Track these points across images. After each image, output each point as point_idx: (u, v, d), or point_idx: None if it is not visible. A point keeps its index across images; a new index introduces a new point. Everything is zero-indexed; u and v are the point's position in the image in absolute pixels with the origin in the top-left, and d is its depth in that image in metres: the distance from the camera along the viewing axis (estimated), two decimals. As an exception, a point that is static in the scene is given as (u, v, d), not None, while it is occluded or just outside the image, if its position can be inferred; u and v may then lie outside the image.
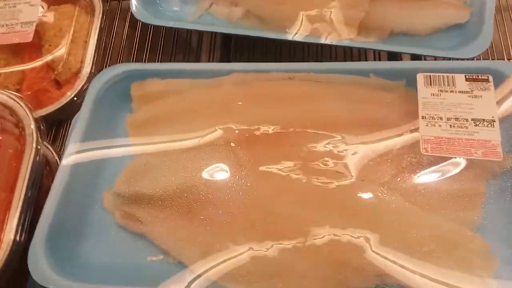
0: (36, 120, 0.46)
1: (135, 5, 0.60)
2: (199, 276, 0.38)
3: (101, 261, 0.41)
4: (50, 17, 0.60)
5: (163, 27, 0.65)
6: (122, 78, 0.50)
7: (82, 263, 0.41)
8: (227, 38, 0.65)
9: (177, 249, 0.40)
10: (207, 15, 0.62)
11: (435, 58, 0.52)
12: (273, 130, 0.43)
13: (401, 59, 0.56)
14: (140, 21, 0.60)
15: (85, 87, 0.57)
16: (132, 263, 0.41)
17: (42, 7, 0.61)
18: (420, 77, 0.44)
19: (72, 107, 0.56)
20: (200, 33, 0.66)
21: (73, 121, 0.51)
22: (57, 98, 0.56)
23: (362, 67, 0.47)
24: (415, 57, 0.54)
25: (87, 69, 0.58)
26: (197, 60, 0.64)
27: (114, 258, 0.41)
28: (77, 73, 0.58)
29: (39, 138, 0.45)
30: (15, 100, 0.47)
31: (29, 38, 0.58)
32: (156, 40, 0.65)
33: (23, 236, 0.41)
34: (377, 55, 0.60)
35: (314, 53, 0.62)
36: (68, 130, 0.57)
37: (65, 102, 0.56)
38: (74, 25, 0.59)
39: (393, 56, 0.57)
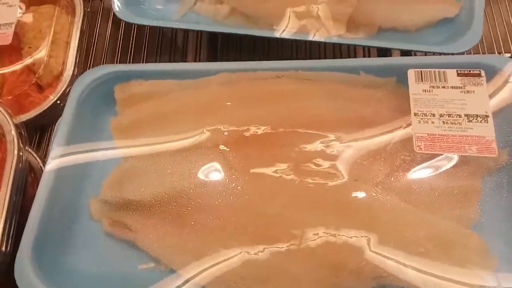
0: (17, 126, 0.45)
1: (117, 4, 0.58)
2: (191, 283, 0.37)
3: (89, 270, 0.40)
4: (29, 18, 0.58)
5: (147, 26, 0.64)
6: (105, 80, 0.49)
7: (70, 272, 0.40)
8: (213, 37, 0.64)
9: (167, 256, 0.39)
10: (192, 14, 0.61)
11: (425, 53, 0.51)
12: (262, 130, 0.42)
13: (390, 55, 0.55)
14: (123, 21, 0.58)
15: (67, 90, 0.55)
16: (122, 271, 0.40)
17: (21, 7, 0.58)
18: (411, 73, 0.43)
19: (55, 111, 0.54)
20: (186, 32, 0.64)
21: (56, 125, 0.49)
22: (39, 102, 0.54)
23: (351, 64, 0.46)
24: (404, 53, 0.53)
25: (69, 71, 0.56)
26: (184, 60, 0.62)
27: (102, 266, 0.40)
28: (59, 75, 0.56)
29: (21, 144, 0.43)
30: (-6, 106, 0.45)
31: (8, 40, 0.56)
32: (140, 40, 0.64)
33: (8, 245, 0.40)
34: (367, 52, 0.59)
35: (303, 51, 0.61)
36: (52, 135, 0.55)
37: (47, 106, 0.54)
38: (54, 26, 0.57)
39: (383, 52, 0.57)
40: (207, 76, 0.47)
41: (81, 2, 0.61)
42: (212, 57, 0.63)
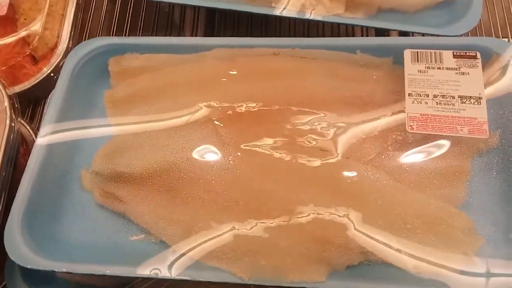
0: (10, 97, 0.44)
1: (114, -24, 0.57)
2: (181, 255, 0.37)
3: (80, 240, 0.40)
4: (25, -11, 0.57)
5: (144, 0, 0.63)
6: (99, 52, 0.48)
7: (61, 242, 0.40)
8: (211, 14, 0.63)
9: (158, 228, 0.39)
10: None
11: (423, 35, 0.51)
12: (256, 107, 0.42)
13: (389, 36, 0.55)
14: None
15: (62, 62, 0.54)
16: (113, 242, 0.40)
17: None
18: (407, 53, 0.43)
19: (49, 84, 0.54)
20: (183, 7, 0.64)
21: (49, 97, 0.49)
22: (33, 74, 0.54)
23: (348, 43, 0.46)
24: (403, 34, 0.53)
25: (64, 44, 0.55)
26: (179, 35, 0.62)
27: (94, 237, 0.40)
28: (54, 48, 0.56)
29: (13, 115, 0.43)
30: (-14, 76, 0.45)
31: (3, 11, 0.55)
32: (136, 15, 0.63)
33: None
34: (365, 32, 0.59)
35: (301, 30, 0.61)
36: (45, 107, 0.55)
37: (41, 78, 0.53)
38: (57, 2, 0.56)
39: (381, 33, 0.56)
40: (203, 52, 0.47)
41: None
42: (209, 34, 0.62)
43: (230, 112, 0.42)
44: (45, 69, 0.54)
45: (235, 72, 0.45)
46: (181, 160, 0.41)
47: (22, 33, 0.55)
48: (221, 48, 0.47)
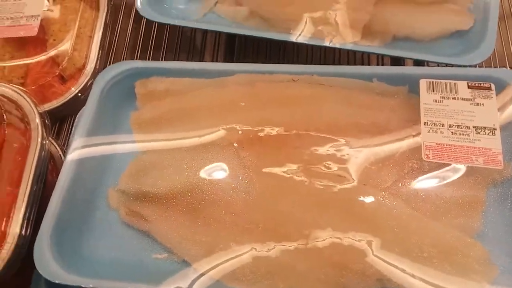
0: (41, 115, 0.47)
1: (140, 1, 0.60)
2: (202, 274, 0.38)
3: (105, 257, 0.42)
4: (55, 12, 0.60)
5: (168, 25, 0.65)
6: (127, 75, 0.51)
7: (87, 258, 0.42)
8: (231, 38, 0.66)
9: (181, 248, 0.41)
10: (212, 14, 0.63)
11: (438, 64, 0.53)
12: (276, 131, 0.44)
13: (403, 63, 0.57)
14: (144, 18, 0.60)
15: (89, 83, 0.57)
16: (136, 259, 0.42)
17: (48, 0, 0.60)
18: (422, 83, 0.45)
19: (76, 103, 0.56)
20: (205, 32, 0.66)
21: (77, 116, 0.51)
22: (61, 93, 0.56)
23: (365, 71, 0.48)
24: (417, 62, 0.54)
25: (91, 65, 0.58)
26: (201, 59, 0.64)
27: (118, 254, 0.42)
28: (82, 68, 0.58)
29: (44, 133, 0.45)
30: (20, 94, 0.47)
31: (34, 32, 0.58)
32: (160, 37, 0.65)
33: (28, 230, 0.42)
34: (380, 59, 0.60)
35: (318, 56, 0.63)
36: (71, 126, 0.57)
37: (69, 97, 0.56)
38: (79, 20, 0.59)
39: (396, 60, 0.58)
40: (225, 76, 0.49)
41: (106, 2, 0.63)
42: (229, 58, 0.64)
43: (250, 136, 0.44)
44: (73, 89, 0.56)
45: (255, 97, 0.46)
46: (203, 182, 0.43)
47: (52, 53, 0.57)
48: (242, 73, 0.49)
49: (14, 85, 0.49)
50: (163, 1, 0.63)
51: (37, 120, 0.46)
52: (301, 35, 0.55)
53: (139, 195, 0.44)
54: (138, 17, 0.63)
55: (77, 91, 0.56)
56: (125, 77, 0.51)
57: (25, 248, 0.42)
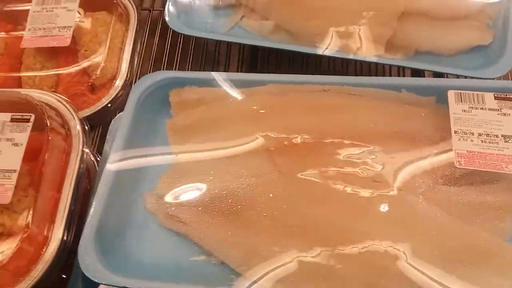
0: (82, 122, 0.48)
1: (168, 14, 0.62)
2: (243, 277, 0.39)
3: (145, 259, 0.43)
4: (86, 23, 0.62)
5: (193, 37, 0.67)
6: (161, 85, 0.52)
7: (127, 261, 0.42)
8: (254, 51, 0.68)
9: (220, 250, 0.42)
10: (237, 28, 0.65)
11: (457, 76, 0.55)
12: (310, 138, 0.45)
13: (424, 76, 0.59)
14: (170, 30, 0.62)
15: (119, 93, 0.59)
16: (175, 261, 0.43)
17: (79, 12, 0.62)
18: (451, 94, 0.47)
19: (106, 113, 0.58)
20: (229, 44, 0.68)
21: (112, 123, 0.52)
22: (92, 102, 0.58)
23: (394, 83, 0.49)
24: (438, 75, 0.56)
25: (122, 76, 0.60)
26: (226, 70, 0.66)
27: (158, 256, 0.43)
28: (112, 79, 0.60)
29: (85, 139, 0.47)
30: (61, 102, 0.49)
31: (66, 42, 0.59)
32: (186, 49, 0.67)
33: (70, 234, 0.43)
34: (401, 72, 0.62)
35: (340, 65, 0.65)
36: (99, 134, 0.59)
37: (100, 107, 0.57)
38: (111, 32, 0.61)
39: (417, 73, 0.60)
40: (256, 86, 0.51)
41: (135, 10, 0.65)
42: (253, 69, 0.66)
43: (286, 143, 0.45)
44: (103, 99, 0.58)
45: (288, 106, 0.48)
46: (241, 187, 0.44)
47: (85, 64, 0.59)
48: (273, 83, 0.50)
49: (55, 94, 0.50)
50: (190, 15, 0.65)
51: (78, 126, 0.47)
52: (326, 48, 0.57)
53: (177, 199, 0.45)
54: (164, 30, 0.65)
55: (107, 102, 0.58)
56: (159, 86, 0.52)
57: (66, 252, 0.43)
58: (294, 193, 0.43)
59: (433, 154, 0.43)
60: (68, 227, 0.43)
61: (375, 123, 0.46)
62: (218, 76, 0.53)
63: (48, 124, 0.45)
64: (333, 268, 0.39)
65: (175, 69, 0.65)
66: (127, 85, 0.60)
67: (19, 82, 0.61)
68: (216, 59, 0.68)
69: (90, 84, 0.58)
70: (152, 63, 0.67)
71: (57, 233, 0.42)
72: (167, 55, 0.67)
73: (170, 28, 0.62)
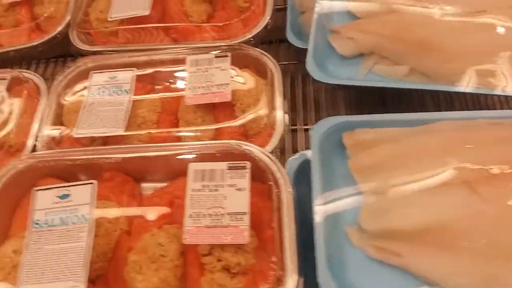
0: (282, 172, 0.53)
1: (310, 66, 0.68)
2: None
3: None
4: (240, 80, 0.68)
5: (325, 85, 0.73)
6: (335, 129, 0.57)
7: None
8: (383, 93, 0.73)
9: (446, 280, 0.44)
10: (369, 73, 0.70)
11: None
12: (508, 169, 0.49)
13: None
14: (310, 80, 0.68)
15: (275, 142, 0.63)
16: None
17: (233, 69, 0.68)
18: None
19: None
20: (359, 89, 0.74)
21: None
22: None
23: None
24: None
25: (279, 126, 0.63)
26: (360, 112, 0.71)
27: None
28: (270, 130, 0.64)
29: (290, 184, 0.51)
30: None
31: (228, 98, 0.65)
32: (319, 97, 0.74)
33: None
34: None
35: (471, 104, 0.70)
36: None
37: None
38: (264, 89, 0.67)
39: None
40: (427, 124, 0.55)
41: (275, 66, 0.70)
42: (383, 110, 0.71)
43: (484, 173, 0.49)
44: (268, 147, 0.62)
45: (471, 140, 0.52)
46: (448, 217, 0.47)
47: (248, 117, 0.64)
48: (446, 120, 0.55)
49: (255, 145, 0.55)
50: (325, 67, 0.71)
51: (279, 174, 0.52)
52: (468, 85, 0.62)
53: (384, 233, 0.48)
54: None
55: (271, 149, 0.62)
56: (334, 130, 0.57)
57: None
58: (503, 220, 0.46)
59: None
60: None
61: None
62: (387, 117, 0.57)
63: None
64: None
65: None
66: (281, 134, 0.64)
67: (178, 136, 0.66)
68: (349, 104, 0.73)
69: (248, 135, 0.63)
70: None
71: (292, 275, 0.45)
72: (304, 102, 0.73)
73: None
